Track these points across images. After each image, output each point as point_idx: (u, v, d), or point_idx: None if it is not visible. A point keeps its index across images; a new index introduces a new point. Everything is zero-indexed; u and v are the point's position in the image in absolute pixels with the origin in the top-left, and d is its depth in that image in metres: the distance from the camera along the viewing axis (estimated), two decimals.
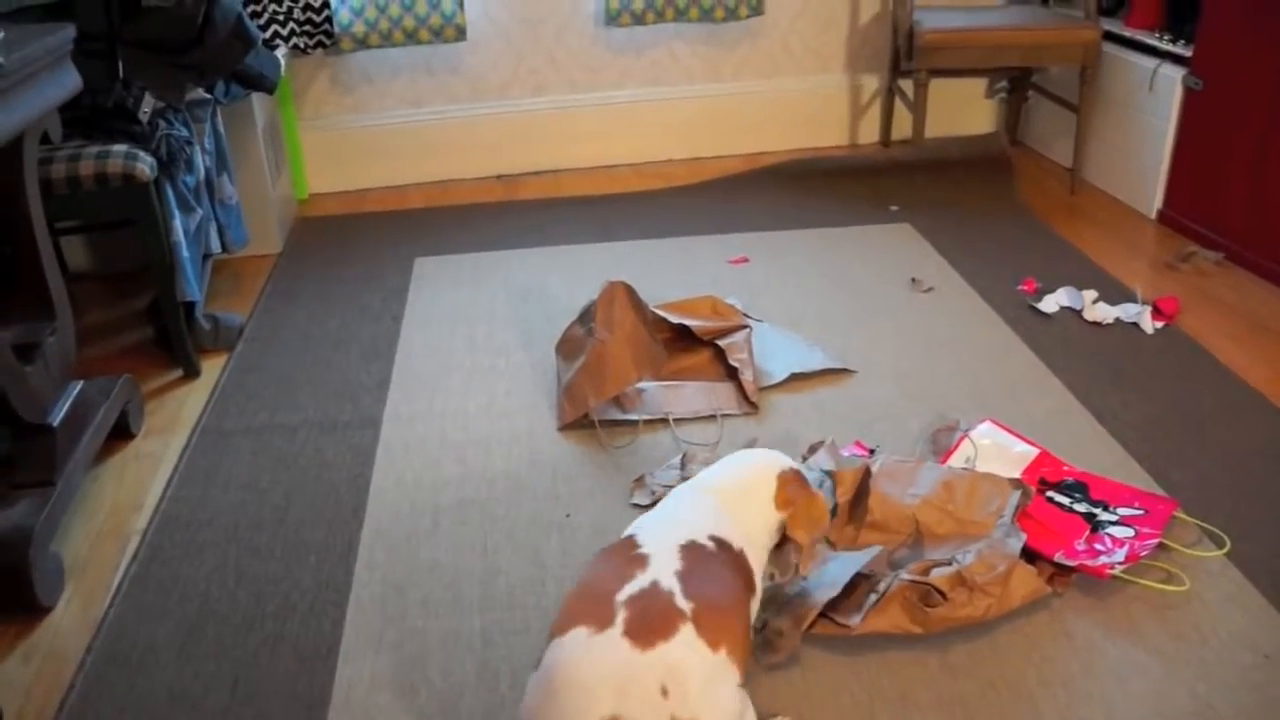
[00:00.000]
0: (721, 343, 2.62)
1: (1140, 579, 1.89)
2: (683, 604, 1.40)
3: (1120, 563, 1.89)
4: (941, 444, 2.26)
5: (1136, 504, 2.05)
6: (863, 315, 2.91)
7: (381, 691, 1.74)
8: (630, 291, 2.55)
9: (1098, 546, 1.94)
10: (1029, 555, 1.90)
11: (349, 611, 1.91)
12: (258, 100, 3.36)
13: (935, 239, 3.37)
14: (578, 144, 4.16)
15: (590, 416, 2.42)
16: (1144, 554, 1.91)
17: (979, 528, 1.94)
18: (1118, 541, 1.94)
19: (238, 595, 1.97)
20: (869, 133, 4.33)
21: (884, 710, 1.67)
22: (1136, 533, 1.97)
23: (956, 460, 2.22)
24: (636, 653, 1.34)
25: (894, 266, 3.19)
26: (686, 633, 1.37)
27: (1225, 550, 1.97)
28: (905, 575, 1.81)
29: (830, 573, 1.85)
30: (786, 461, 1.71)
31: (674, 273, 3.16)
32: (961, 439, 2.26)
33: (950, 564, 1.82)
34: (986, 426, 2.28)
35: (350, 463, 2.35)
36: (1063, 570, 1.90)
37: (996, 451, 2.22)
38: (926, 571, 1.81)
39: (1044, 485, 2.12)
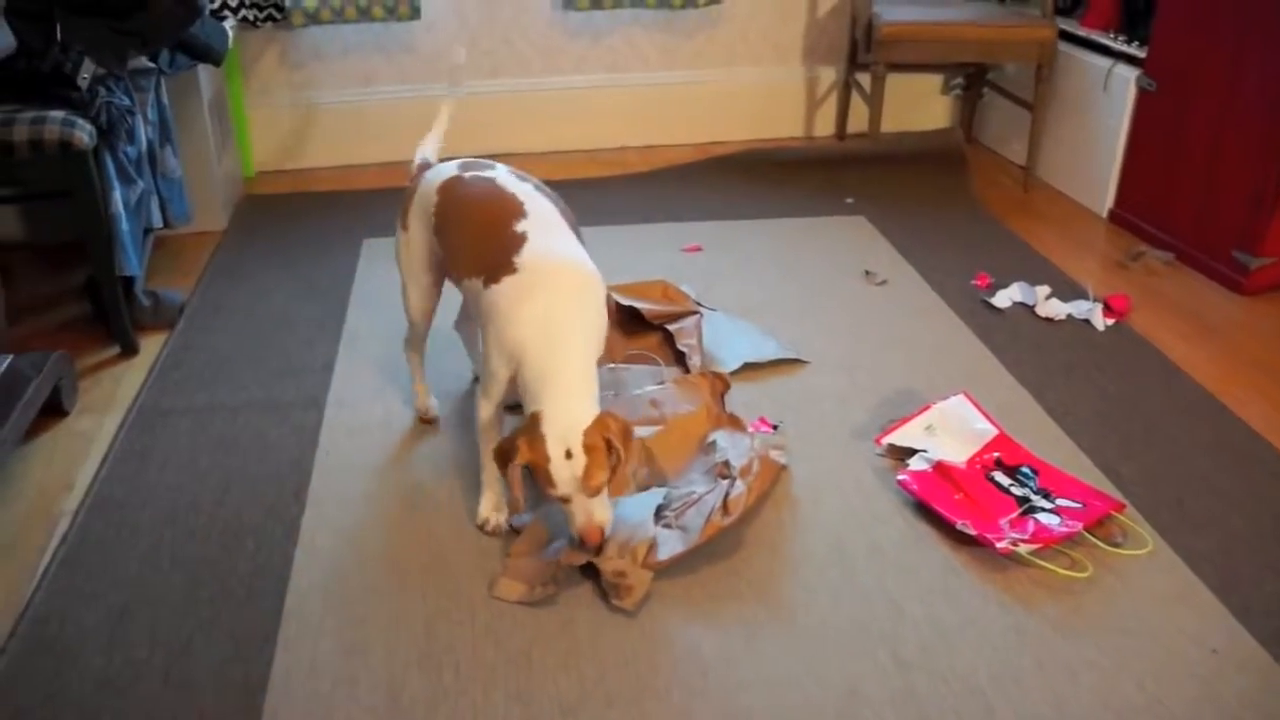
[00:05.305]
0: (671, 327, 2.59)
1: (1048, 564, 1.91)
2: None
3: (1024, 541, 1.91)
4: None
5: (1079, 498, 2.05)
6: (816, 306, 2.89)
7: (321, 679, 1.69)
8: None
9: (1017, 530, 1.96)
10: (947, 526, 1.99)
11: (288, 598, 1.86)
12: (204, 73, 3.28)
13: (889, 232, 3.36)
14: (531, 129, 4.10)
15: None
16: (1055, 544, 1.93)
17: (696, 422, 2.19)
18: (1041, 528, 1.95)
19: (172, 579, 1.90)
20: (824, 125, 4.31)
21: (833, 705, 1.65)
22: (1061, 523, 1.98)
23: (915, 427, 2.24)
24: None
25: (848, 259, 3.17)
26: None
27: (1147, 550, 1.97)
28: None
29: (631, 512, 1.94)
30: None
31: (627, 259, 3.12)
32: (926, 406, 2.29)
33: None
34: (958, 399, 2.29)
35: (293, 445, 2.29)
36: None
37: (957, 424, 2.23)
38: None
39: (998, 465, 2.14)
